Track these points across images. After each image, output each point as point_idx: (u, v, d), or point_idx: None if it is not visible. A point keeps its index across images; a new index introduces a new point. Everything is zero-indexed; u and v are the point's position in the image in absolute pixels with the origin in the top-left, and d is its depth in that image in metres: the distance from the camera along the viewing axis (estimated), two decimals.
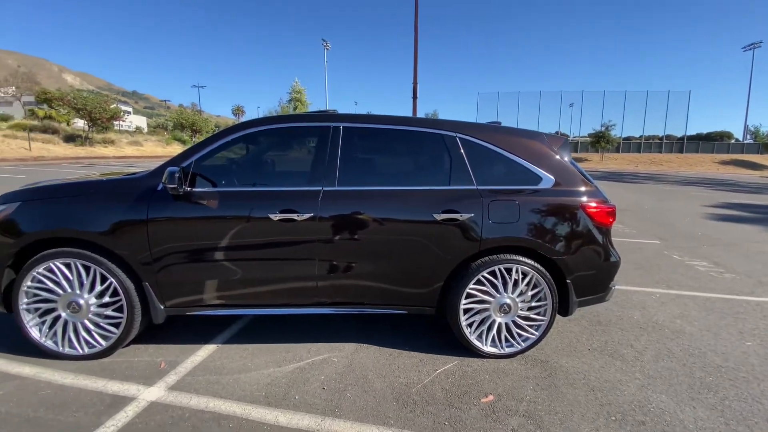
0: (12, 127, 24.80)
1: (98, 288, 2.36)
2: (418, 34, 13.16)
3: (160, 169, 2.44)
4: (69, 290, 2.35)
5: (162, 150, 31.31)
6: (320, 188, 2.43)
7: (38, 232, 2.29)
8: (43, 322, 2.40)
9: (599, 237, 2.58)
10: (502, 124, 2.85)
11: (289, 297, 2.52)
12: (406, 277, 2.50)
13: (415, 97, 12.87)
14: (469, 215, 2.40)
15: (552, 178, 2.56)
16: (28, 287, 2.33)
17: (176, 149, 33.27)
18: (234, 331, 2.88)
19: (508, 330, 2.58)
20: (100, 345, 2.41)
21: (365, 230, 2.43)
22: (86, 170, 16.33)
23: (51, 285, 2.33)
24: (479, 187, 2.48)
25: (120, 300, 2.37)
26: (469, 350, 2.60)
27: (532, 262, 2.46)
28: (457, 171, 2.51)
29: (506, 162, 2.57)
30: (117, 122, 29.93)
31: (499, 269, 2.46)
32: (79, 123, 28.50)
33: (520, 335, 2.58)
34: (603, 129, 44.00)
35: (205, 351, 2.59)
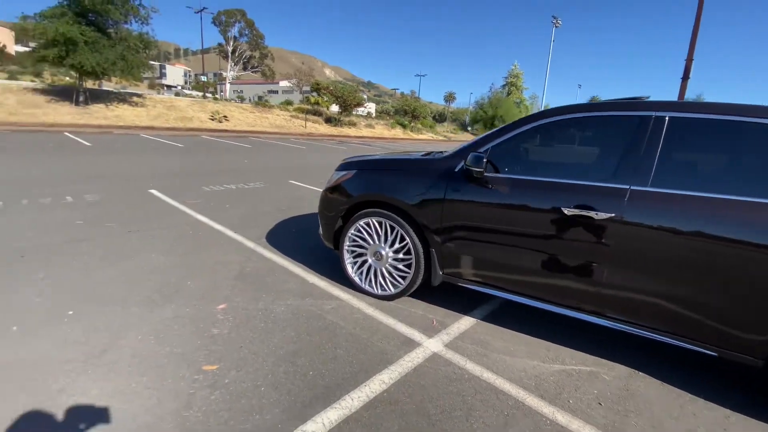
0: (295, 110, 33.93)
1: (397, 245, 2.87)
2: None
3: (460, 153, 2.70)
4: (377, 242, 2.96)
5: (387, 132, 36.37)
6: (627, 186, 2.16)
7: (367, 194, 2.96)
8: (355, 263, 3.12)
9: None
10: None
11: (561, 296, 2.41)
12: (730, 312, 1.97)
13: (686, 78, 10.04)
14: None
15: None
16: (351, 234, 3.06)
17: (398, 132, 37.91)
18: (488, 310, 3.01)
19: None
20: (390, 291, 2.96)
21: (680, 244, 2.03)
22: (338, 146, 20.63)
23: (366, 235, 2.99)
24: None
25: (410, 259, 2.83)
26: None
27: None
28: None
29: None
30: (359, 108, 36.50)
31: None
32: (333, 108, 36.13)
33: None
34: None
35: (467, 321, 2.82)
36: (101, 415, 1.74)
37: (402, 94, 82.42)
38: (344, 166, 3.25)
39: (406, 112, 42.65)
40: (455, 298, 3.12)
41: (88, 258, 3.41)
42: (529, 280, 2.49)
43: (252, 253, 3.84)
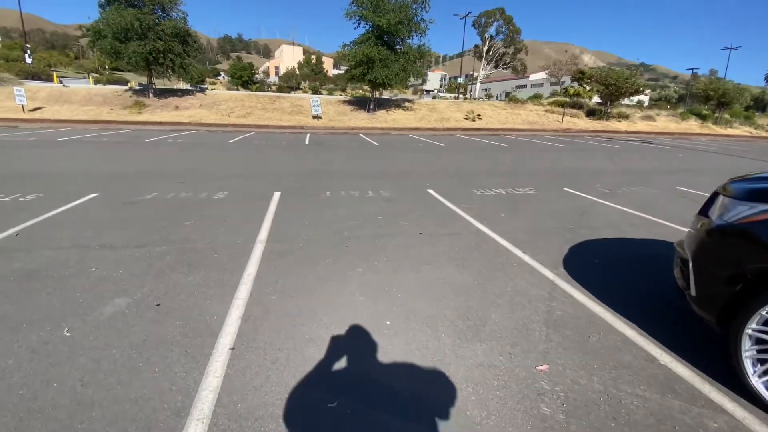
0: (551, 104, 31.00)
1: None
2: None
3: None
4: None
5: (675, 126, 27.79)
6: None
7: None
8: (762, 361, 1.83)
9: None
10: None
11: None
12: None
13: None
14: None
15: None
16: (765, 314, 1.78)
17: (692, 125, 28.55)
18: None
19: None
20: None
21: None
22: (607, 145, 17.24)
23: None
24: None
25: None
26: None
27: None
28: None
29: None
30: (633, 97, 29.66)
31: None
32: (595, 99, 30.82)
33: None
34: None
35: None
36: None
37: (695, 74, 62.28)
38: (757, 195, 1.92)
39: (708, 98, 31.32)
40: None
41: (393, 258, 3.58)
42: None
43: (554, 287, 3.09)
